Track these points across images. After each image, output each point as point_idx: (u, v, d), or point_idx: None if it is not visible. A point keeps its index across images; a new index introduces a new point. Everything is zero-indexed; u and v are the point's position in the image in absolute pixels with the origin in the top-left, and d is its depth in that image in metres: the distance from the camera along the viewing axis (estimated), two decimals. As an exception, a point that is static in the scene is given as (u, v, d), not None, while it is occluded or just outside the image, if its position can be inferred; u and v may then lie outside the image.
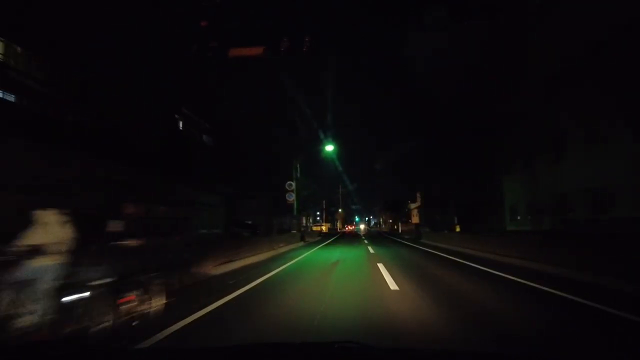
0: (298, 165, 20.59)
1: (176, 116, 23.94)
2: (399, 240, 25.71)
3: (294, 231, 20.56)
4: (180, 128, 24.31)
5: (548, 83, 15.76)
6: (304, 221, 52.07)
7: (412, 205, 58.62)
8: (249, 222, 26.84)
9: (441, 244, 17.07)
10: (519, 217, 20.29)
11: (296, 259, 11.12)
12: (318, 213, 62.55)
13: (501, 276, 7.18)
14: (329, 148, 22.01)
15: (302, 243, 19.63)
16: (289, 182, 20.06)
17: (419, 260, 11.02)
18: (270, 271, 8.23)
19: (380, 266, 8.73)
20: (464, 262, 9.91)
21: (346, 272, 8.19)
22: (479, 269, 8.44)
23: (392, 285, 6.20)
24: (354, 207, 76.54)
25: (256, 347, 1.63)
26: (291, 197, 19.96)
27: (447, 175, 32.84)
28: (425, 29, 26.05)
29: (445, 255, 12.04)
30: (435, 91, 25.87)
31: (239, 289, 6.03)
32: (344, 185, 69.25)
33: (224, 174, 25.95)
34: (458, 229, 20.06)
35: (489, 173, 24.71)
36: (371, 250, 14.36)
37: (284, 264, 9.82)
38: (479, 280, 6.92)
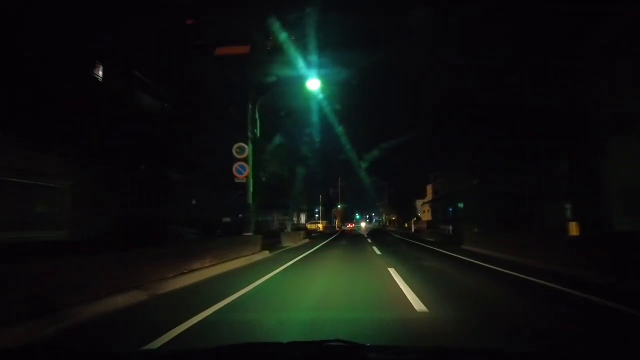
0: (257, 115, 11.31)
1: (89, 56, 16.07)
2: (426, 246, 16.60)
3: (249, 234, 11.26)
4: (99, 75, 16.04)
5: None
6: (297, 219, 45.15)
7: (419, 202, 52.60)
8: (228, 220, 22.95)
9: (554, 264, 7.93)
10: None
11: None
12: (317, 210, 57.17)
13: None
14: (313, 85, 12.25)
15: (263, 255, 10.66)
16: (239, 145, 10.83)
17: None
18: None
19: None
20: None
21: None
22: None
23: None
24: (346, 205, 68.76)
25: (246, 347, 1.57)
26: (243, 171, 10.72)
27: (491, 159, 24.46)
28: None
29: None
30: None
31: None
32: (343, 180, 61.98)
33: (173, 150, 17.89)
34: (575, 231, 10.62)
35: (569, 142, 15.63)
36: (410, 296, 5.21)
37: None
38: None
